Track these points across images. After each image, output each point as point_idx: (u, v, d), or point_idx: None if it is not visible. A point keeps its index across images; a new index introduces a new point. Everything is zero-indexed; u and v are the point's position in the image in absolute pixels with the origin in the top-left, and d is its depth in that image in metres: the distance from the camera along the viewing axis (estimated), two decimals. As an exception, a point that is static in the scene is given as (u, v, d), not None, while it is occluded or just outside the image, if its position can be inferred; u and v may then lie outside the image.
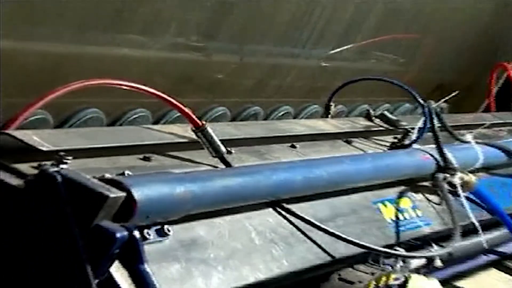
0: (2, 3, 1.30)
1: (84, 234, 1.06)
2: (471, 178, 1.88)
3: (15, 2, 1.34)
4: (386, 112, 2.11)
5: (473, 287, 2.00)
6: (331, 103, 2.14)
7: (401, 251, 1.62)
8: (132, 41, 1.66)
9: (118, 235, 1.06)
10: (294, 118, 2.25)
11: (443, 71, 2.81)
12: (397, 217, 1.71)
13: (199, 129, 1.44)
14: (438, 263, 1.77)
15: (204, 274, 1.23)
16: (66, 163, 1.15)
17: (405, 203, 1.77)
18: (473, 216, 1.84)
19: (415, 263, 1.70)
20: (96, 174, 1.16)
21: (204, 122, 1.45)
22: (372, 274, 1.50)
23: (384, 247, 1.56)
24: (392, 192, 1.77)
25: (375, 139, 2.00)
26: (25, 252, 1.11)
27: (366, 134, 2.01)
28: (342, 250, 1.48)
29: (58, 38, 1.48)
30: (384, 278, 1.52)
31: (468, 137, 2.08)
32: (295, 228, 1.45)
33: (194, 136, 1.46)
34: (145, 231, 1.18)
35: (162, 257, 1.19)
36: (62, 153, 1.16)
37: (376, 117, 2.10)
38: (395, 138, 1.99)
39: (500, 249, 2.15)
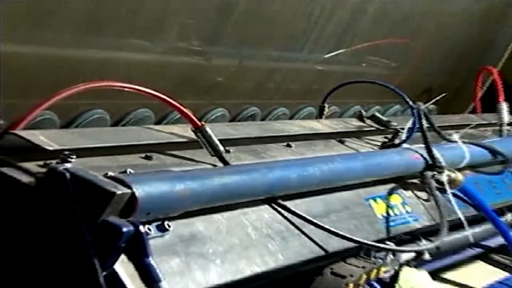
0: (6, 7, 1.29)
1: (91, 229, 1.06)
2: (458, 176, 1.88)
3: (18, 6, 1.33)
4: (377, 113, 2.10)
5: (460, 278, 1.99)
6: (325, 105, 2.14)
7: (392, 245, 1.62)
8: (135, 45, 1.65)
9: (124, 229, 1.06)
10: (290, 119, 2.25)
11: (431, 75, 2.80)
12: (388, 213, 1.70)
13: (199, 129, 1.44)
14: (426, 256, 1.77)
15: (202, 267, 1.23)
16: (70, 161, 1.14)
17: (395, 199, 1.76)
18: (460, 211, 1.83)
19: (404, 256, 1.70)
20: (99, 172, 1.15)
21: (203, 123, 1.44)
22: (364, 267, 1.49)
23: (375, 241, 1.55)
24: (383, 189, 1.76)
25: (366, 139, 1.99)
26: (35, 246, 1.10)
27: (358, 134, 2.00)
28: (335, 244, 1.48)
29: (63, 42, 1.47)
30: (375, 271, 1.51)
31: (455, 137, 2.08)
32: (290, 223, 1.44)
33: (193, 136, 1.45)
34: (146, 226, 1.17)
35: (162, 251, 1.18)
36: (67, 152, 1.15)
37: (368, 118, 2.09)
38: (385, 138, 1.99)
39: (485, 243, 2.15)
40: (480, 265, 2.15)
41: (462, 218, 1.82)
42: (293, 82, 2.20)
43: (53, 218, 1.09)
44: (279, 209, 1.45)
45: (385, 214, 1.69)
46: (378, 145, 1.95)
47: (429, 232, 1.79)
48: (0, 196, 1.15)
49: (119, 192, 1.07)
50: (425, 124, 1.88)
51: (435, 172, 1.83)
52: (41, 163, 1.18)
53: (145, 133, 1.48)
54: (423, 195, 1.84)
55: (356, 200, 1.66)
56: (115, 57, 1.64)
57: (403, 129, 1.94)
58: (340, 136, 1.92)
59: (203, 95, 1.94)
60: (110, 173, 1.16)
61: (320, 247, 1.45)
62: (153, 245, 1.16)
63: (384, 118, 2.07)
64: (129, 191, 1.10)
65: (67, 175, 1.08)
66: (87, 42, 1.53)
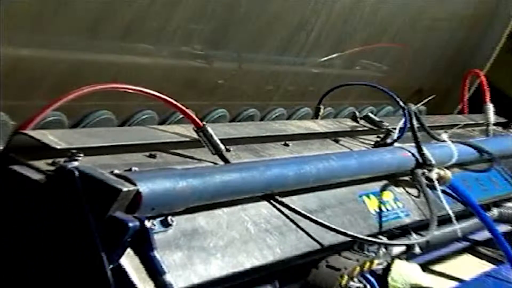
0: (12, 10, 1.28)
1: (99, 224, 1.06)
2: (447, 173, 1.87)
3: (26, 10, 1.31)
4: (370, 114, 2.09)
5: (449, 270, 1.99)
6: (321, 106, 2.13)
7: (384, 239, 1.62)
8: (140, 49, 1.64)
9: (130, 224, 1.06)
10: (287, 119, 2.24)
11: (422, 77, 2.80)
12: (380, 209, 1.69)
13: (200, 129, 1.43)
14: (417, 250, 1.76)
15: (204, 261, 1.22)
16: (78, 160, 1.14)
17: (387, 195, 1.75)
18: (449, 207, 1.83)
19: (396, 250, 1.70)
20: (106, 170, 1.14)
21: (204, 123, 1.43)
22: (357, 260, 1.48)
23: (368, 235, 1.55)
24: (376, 186, 1.75)
25: (360, 138, 1.98)
26: (45, 240, 1.10)
27: (352, 133, 1.99)
28: (330, 239, 1.47)
29: (71, 46, 1.46)
30: (368, 264, 1.51)
31: (444, 136, 2.07)
32: (287, 219, 1.44)
33: (195, 136, 1.44)
34: (151, 221, 1.17)
35: (166, 245, 1.18)
36: (74, 151, 1.14)
37: (361, 118, 2.08)
38: (378, 137, 1.97)
39: (473, 237, 2.14)
40: (467, 258, 2.15)
41: (451, 214, 1.82)
42: (290, 85, 2.20)
43: (62, 213, 1.08)
44: (277, 205, 1.44)
45: (377, 210, 1.68)
46: (371, 144, 1.94)
47: (420, 227, 1.79)
48: (11, 192, 1.14)
49: (125, 189, 1.07)
50: (415, 124, 1.88)
51: (425, 170, 1.82)
52: (50, 161, 1.17)
53: (149, 133, 1.47)
54: (414, 191, 1.83)
55: (350, 196, 1.65)
56: (121, 60, 1.63)
57: (394, 129, 1.93)
58: (335, 136, 1.91)
59: (205, 96, 1.93)
60: (116, 171, 1.15)
61: (316, 241, 1.45)
62: (157, 239, 1.15)
63: (377, 119, 2.06)
64: (134, 188, 1.09)
65: (76, 172, 1.08)
66: (95, 46, 1.53)
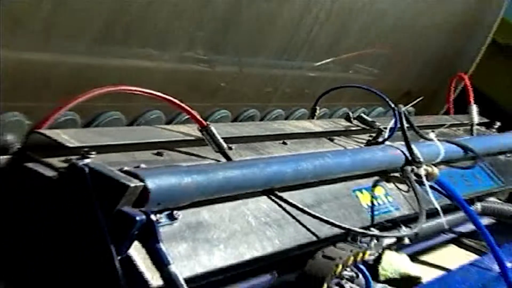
0: (25, 18, 1.28)
1: (108, 218, 1.05)
2: (434, 170, 1.86)
3: (38, 17, 1.31)
4: (363, 114, 2.09)
5: (435, 260, 1.99)
6: (317, 107, 2.13)
7: (375, 232, 1.60)
8: (148, 55, 1.64)
9: (137, 218, 1.05)
10: (285, 119, 2.23)
11: (410, 80, 2.79)
12: (372, 203, 1.69)
13: (204, 129, 1.42)
14: (406, 241, 1.76)
15: (208, 252, 1.22)
16: (90, 157, 1.13)
17: (378, 191, 1.75)
18: (436, 201, 1.81)
19: (386, 241, 1.70)
20: (116, 167, 1.14)
21: (208, 123, 1.43)
22: (351, 251, 1.48)
23: (361, 228, 1.54)
24: (368, 181, 1.74)
25: (353, 137, 1.98)
26: (58, 233, 1.09)
27: (346, 133, 1.99)
28: (325, 231, 1.47)
29: (81, 51, 1.46)
30: (361, 254, 1.50)
31: (431, 135, 2.06)
32: (286, 212, 1.43)
33: (200, 135, 1.43)
34: (157, 215, 1.16)
35: (172, 237, 1.17)
36: (86, 149, 1.14)
37: (355, 118, 2.07)
38: (370, 136, 1.97)
39: (458, 229, 2.14)
40: (453, 249, 2.14)
41: (438, 207, 1.81)
42: (288, 87, 2.19)
43: (73, 208, 1.08)
44: (276, 199, 1.44)
45: (370, 204, 1.68)
46: (363, 143, 1.93)
47: (409, 220, 1.78)
48: (26, 188, 1.14)
49: (132, 184, 1.06)
50: (405, 124, 1.87)
51: (414, 167, 1.81)
52: (63, 159, 1.16)
53: (157, 132, 1.47)
54: (404, 187, 1.82)
55: (344, 191, 1.64)
56: (130, 65, 1.63)
57: (385, 128, 1.92)
58: (330, 135, 1.90)
59: (208, 98, 1.92)
60: (126, 168, 1.14)
61: (313, 233, 1.44)
62: (164, 232, 1.15)
63: (369, 119, 2.05)
64: (141, 183, 1.09)
65: (86, 169, 1.08)
66: (104, 51, 1.52)
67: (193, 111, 1.42)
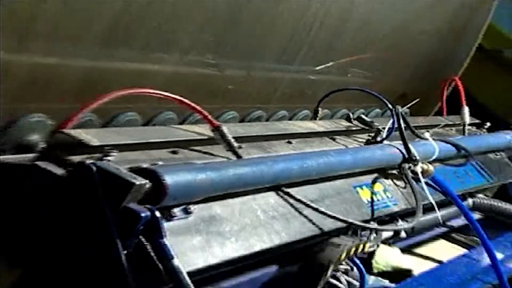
0: (39, 24, 1.27)
1: (114, 214, 1.04)
2: (430, 167, 1.87)
3: (45, 21, 1.29)
4: (362, 115, 2.09)
5: (427, 253, 1.99)
6: (319, 108, 2.13)
7: (375, 225, 1.61)
8: (160, 59, 1.63)
9: (142, 214, 1.05)
10: (290, 120, 2.23)
11: (406, 83, 2.79)
12: (372, 198, 1.69)
13: (216, 129, 1.43)
14: (403, 234, 1.76)
15: (220, 244, 1.22)
16: (111, 155, 1.13)
17: (377, 187, 1.75)
18: (431, 197, 1.82)
19: (385, 234, 1.70)
20: (134, 164, 1.14)
21: (220, 123, 1.43)
22: (353, 242, 1.48)
23: (362, 222, 1.55)
24: (368, 178, 1.74)
25: (354, 136, 1.98)
26: (65, 229, 1.09)
27: (347, 132, 1.99)
28: (329, 225, 1.47)
29: (96, 57, 1.44)
30: (361, 246, 1.50)
31: (427, 135, 2.06)
32: (292, 207, 1.44)
33: (212, 134, 1.44)
34: (173, 210, 1.17)
35: (187, 231, 1.18)
36: (108, 148, 1.14)
37: (355, 119, 2.08)
38: (369, 136, 1.97)
39: (450, 224, 2.14)
40: (443, 243, 2.14)
41: (433, 203, 1.81)
42: (292, 90, 2.19)
43: (82, 205, 1.07)
44: (283, 195, 1.44)
45: (369, 199, 1.68)
46: (363, 142, 1.93)
47: (406, 214, 1.78)
48: (38, 186, 1.13)
49: (138, 182, 1.06)
50: (402, 124, 1.87)
51: (410, 164, 1.82)
52: (85, 156, 1.16)
53: (172, 132, 1.47)
54: (401, 183, 1.82)
55: (345, 187, 1.64)
56: (144, 68, 1.62)
57: (384, 128, 1.93)
58: (332, 135, 1.90)
59: (217, 100, 1.92)
60: (144, 165, 1.14)
61: (317, 226, 1.45)
62: (179, 225, 1.16)
63: (368, 119, 2.05)
64: (145, 181, 1.08)
65: (94, 168, 1.07)
66: (119, 56, 1.51)
67: (205, 112, 1.42)
